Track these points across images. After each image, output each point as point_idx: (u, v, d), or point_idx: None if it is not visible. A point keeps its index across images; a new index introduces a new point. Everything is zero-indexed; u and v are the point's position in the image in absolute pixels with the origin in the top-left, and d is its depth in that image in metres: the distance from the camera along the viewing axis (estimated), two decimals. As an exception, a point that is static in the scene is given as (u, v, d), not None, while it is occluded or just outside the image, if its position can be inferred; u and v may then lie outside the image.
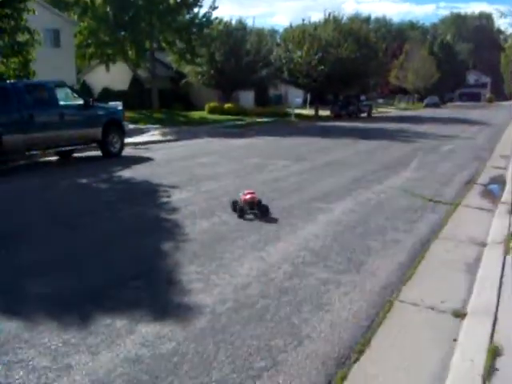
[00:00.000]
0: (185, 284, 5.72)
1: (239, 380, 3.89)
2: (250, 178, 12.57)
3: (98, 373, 3.97)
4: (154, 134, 25.34)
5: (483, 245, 7.18)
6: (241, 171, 13.70)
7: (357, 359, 4.22)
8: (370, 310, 5.10)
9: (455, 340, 4.52)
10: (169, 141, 23.36)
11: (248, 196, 8.66)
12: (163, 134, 25.56)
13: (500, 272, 5.94)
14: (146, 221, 8.57)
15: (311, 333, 4.61)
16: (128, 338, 4.50)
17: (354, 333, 4.64)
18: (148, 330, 4.66)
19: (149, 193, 11.02)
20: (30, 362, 4.11)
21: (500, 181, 12.34)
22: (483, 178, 12.97)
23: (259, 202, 8.69)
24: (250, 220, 8.40)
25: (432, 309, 5.15)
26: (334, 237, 7.49)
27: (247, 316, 4.93)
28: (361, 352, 4.31)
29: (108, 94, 38.78)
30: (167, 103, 41.11)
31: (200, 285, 5.68)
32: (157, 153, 18.33)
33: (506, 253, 6.57)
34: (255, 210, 8.61)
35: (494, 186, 11.77)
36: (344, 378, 3.95)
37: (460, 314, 5.01)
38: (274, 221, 8.31)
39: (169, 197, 10.30)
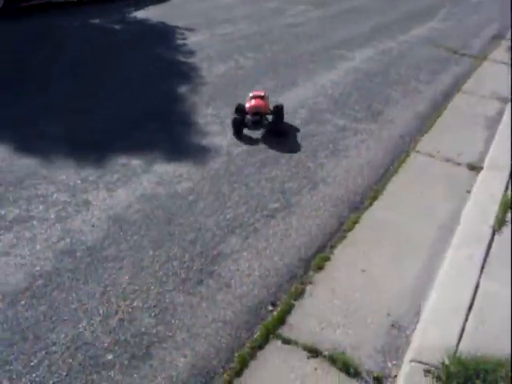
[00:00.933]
0: (201, 126, 5.68)
1: (253, 220, 3.97)
2: (267, 22, 11.99)
3: (115, 208, 4.06)
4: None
5: (506, 101, 6.98)
6: (258, 15, 13.04)
7: (370, 204, 4.27)
8: (386, 159, 5.09)
9: (468, 192, 4.54)
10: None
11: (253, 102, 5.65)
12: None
13: (521, 128, 5.83)
14: (163, 63, 8.30)
15: (326, 177, 4.64)
16: (144, 177, 4.54)
17: (368, 179, 4.68)
18: (164, 169, 4.69)
19: (164, 35, 10.58)
20: (50, 197, 4.18)
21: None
22: (512, 33, 12.33)
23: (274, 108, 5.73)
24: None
25: (448, 161, 5.13)
26: (354, 85, 7.29)
27: (263, 159, 4.94)
28: (374, 198, 4.36)
29: None
30: None
31: (216, 127, 5.63)
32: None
33: (529, 112, 6.41)
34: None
35: (523, 42, 11.21)
36: (356, 221, 4.02)
37: (476, 168, 5.00)
38: (292, 66, 8.04)
39: (184, 39, 9.90)
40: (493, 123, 6.14)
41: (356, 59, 8.71)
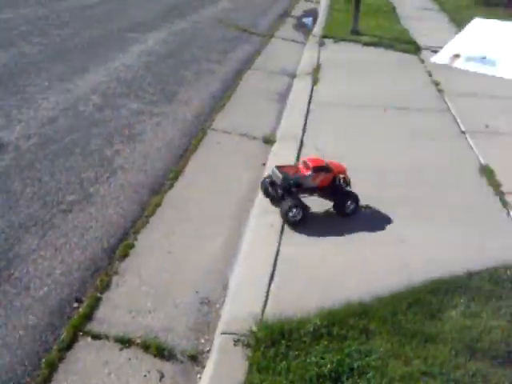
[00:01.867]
0: (-17, 120, 5.20)
1: (49, 216, 3.74)
2: (55, 4, 11.33)
3: None
4: None
5: (294, 76, 7.39)
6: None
7: (171, 186, 4.25)
8: (184, 139, 5.10)
9: (264, 164, 4.72)
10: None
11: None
12: None
13: (307, 99, 6.20)
14: None
15: (124, 164, 4.52)
16: None
17: (167, 161, 4.65)
18: None
19: None
20: None
21: (313, 14, 12.55)
22: (298, 11, 13.10)
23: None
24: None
25: (243, 136, 5.29)
26: (147, 67, 7.20)
27: (55, 151, 4.67)
28: (174, 179, 4.35)
29: None
30: None
31: (1, 121, 5.19)
32: None
33: (314, 83, 6.84)
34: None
35: (306, 19, 11.97)
36: (158, 204, 3.98)
37: (270, 140, 5.21)
38: (82, 51, 7.71)
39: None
40: (282, 97, 6.46)
41: (149, 42, 8.61)
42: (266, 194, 3.93)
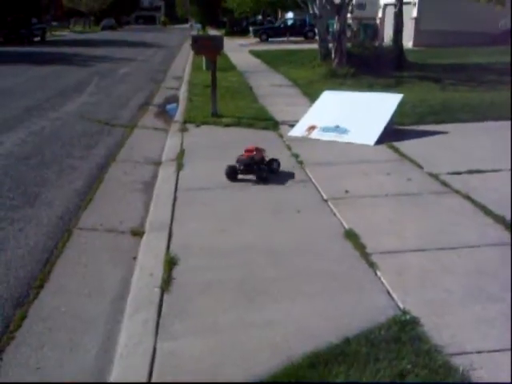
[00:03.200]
0: None
1: None
2: None
3: None
4: None
5: (159, 164, 7.47)
6: None
7: (36, 294, 4.05)
8: (48, 243, 4.92)
9: (135, 258, 4.66)
10: None
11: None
12: None
13: (174, 188, 6.27)
14: None
15: (-19, 279, 4.25)
16: None
17: (31, 269, 4.43)
18: None
19: None
20: None
21: (173, 101, 12.90)
22: (158, 99, 13.39)
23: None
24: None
25: (111, 231, 5.21)
26: (5, 171, 6.95)
27: None
28: (40, 287, 4.15)
29: None
30: None
31: None
32: None
33: (179, 168, 6.95)
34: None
35: (168, 107, 12.26)
36: (24, 317, 3.76)
37: (138, 233, 5.16)
38: None
39: None
40: (149, 187, 6.48)
41: (6, 144, 8.35)
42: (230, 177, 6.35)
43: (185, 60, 24.64)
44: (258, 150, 6.61)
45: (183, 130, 9.13)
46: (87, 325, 3.73)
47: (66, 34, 59.46)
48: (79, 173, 7.01)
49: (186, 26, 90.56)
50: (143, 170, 7.21)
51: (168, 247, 4.71)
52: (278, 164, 6.71)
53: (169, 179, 6.63)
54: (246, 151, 6.57)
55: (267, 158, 6.66)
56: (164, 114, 11.38)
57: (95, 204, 5.92)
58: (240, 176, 6.45)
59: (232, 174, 6.41)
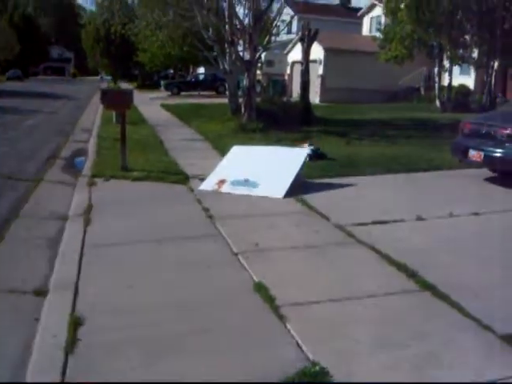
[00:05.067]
0: None
1: None
2: None
3: None
4: None
5: (65, 219, 7.25)
6: None
7: None
8: None
9: (37, 319, 4.44)
10: None
11: None
12: None
13: (81, 243, 6.09)
14: None
15: None
16: None
17: None
18: None
19: None
20: None
21: (82, 154, 12.67)
22: (66, 152, 13.10)
23: None
24: None
25: (12, 292, 4.96)
26: None
27: None
28: None
29: None
30: None
31: None
32: None
33: (87, 224, 6.78)
34: None
35: (76, 160, 12.02)
36: None
37: (42, 292, 4.94)
38: None
39: None
40: (54, 243, 6.25)
41: None
42: None
43: (94, 112, 24.37)
44: None
45: (91, 184, 8.95)
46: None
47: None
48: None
49: (97, 78, 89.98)
50: (49, 226, 6.96)
51: (73, 306, 4.54)
52: None
53: (75, 235, 6.43)
54: None
55: None
56: (72, 167, 11.13)
57: (-5, 264, 5.63)
58: None
59: None
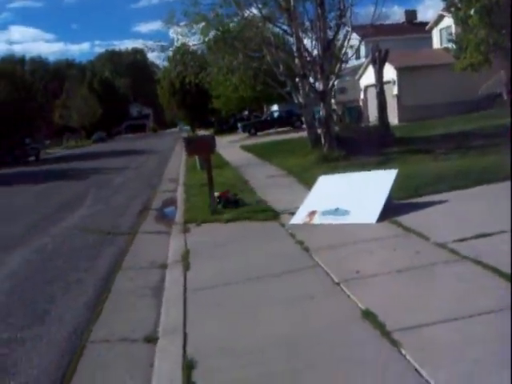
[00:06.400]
0: None
1: None
2: None
3: None
4: None
5: (165, 266, 7.43)
6: None
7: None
8: (62, 360, 4.80)
9: (152, 365, 4.53)
10: None
11: None
12: None
13: (183, 289, 6.20)
14: None
15: (-3, 406, 4.13)
16: None
17: (46, 390, 4.31)
18: None
19: None
20: None
21: (172, 203, 13.04)
22: (156, 203, 13.54)
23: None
24: None
25: (124, 340, 5.10)
26: (13, 291, 6.92)
27: None
28: (57, 409, 4.02)
29: None
30: None
31: None
32: None
33: (186, 269, 6.91)
34: None
35: (167, 210, 12.36)
36: None
37: (152, 339, 5.05)
38: None
39: None
40: (157, 292, 6.40)
41: (12, 263, 8.35)
42: None
43: (178, 162, 25.16)
44: None
45: (185, 230, 9.15)
46: None
47: (59, 151, 61.07)
48: (85, 285, 6.95)
49: (175, 129, 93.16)
50: (150, 275, 7.15)
51: (184, 351, 4.59)
52: None
53: (177, 281, 6.57)
54: None
55: None
56: (163, 217, 11.45)
57: (105, 315, 5.82)
58: None
59: None
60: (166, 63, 38.95)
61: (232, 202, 10.44)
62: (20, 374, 4.59)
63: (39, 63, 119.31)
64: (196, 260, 7.26)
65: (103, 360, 4.79)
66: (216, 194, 10.29)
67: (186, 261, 7.26)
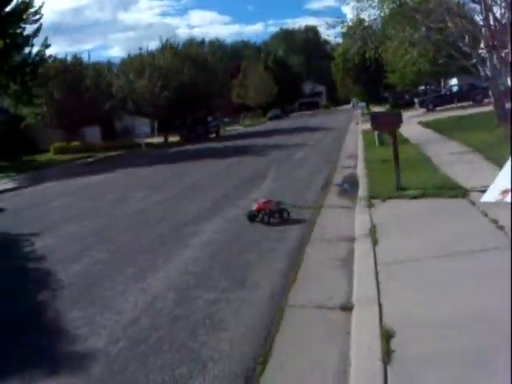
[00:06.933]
0: (71, 332, 5.44)
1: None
2: (112, 213, 12.25)
3: None
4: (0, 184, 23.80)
5: (352, 240, 7.58)
6: (101, 208, 13.33)
7: (262, 370, 4.26)
8: (264, 321, 5.18)
9: (348, 333, 4.73)
10: (18, 188, 22.10)
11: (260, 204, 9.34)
12: (11, 182, 24.10)
13: (373, 262, 6.31)
14: (13, 274, 8.01)
15: (213, 354, 4.59)
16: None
17: (254, 345, 4.69)
18: (46, 387, 4.37)
19: (8, 245, 10.33)
20: None
21: (352, 179, 13.14)
22: (337, 179, 13.72)
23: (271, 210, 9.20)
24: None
25: (320, 307, 5.35)
26: (212, 257, 7.53)
27: (143, 351, 4.80)
28: (265, 362, 4.37)
29: None
30: (8, 150, 38.74)
31: (87, 329, 5.43)
32: (8, 202, 17.25)
33: (374, 243, 6.99)
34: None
35: (348, 185, 12.47)
36: (255, 391, 3.97)
37: (347, 308, 5.25)
38: (148, 251, 8.16)
39: (32, 245, 9.73)
40: (346, 263, 6.59)
41: (207, 232, 9.06)
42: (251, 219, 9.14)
43: (354, 139, 25.11)
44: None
45: (369, 206, 9.21)
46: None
47: (237, 129, 63.86)
48: (278, 254, 7.36)
49: (348, 106, 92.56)
50: (338, 248, 7.36)
51: (380, 320, 4.71)
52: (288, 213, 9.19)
53: (366, 254, 6.68)
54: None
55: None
56: (346, 192, 11.59)
57: (299, 283, 6.14)
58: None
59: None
60: (339, 39, 38.69)
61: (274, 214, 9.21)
62: (229, 331, 5.04)
63: (217, 45, 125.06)
64: (383, 235, 7.30)
65: (302, 324, 5.08)
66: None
67: (373, 235, 7.33)
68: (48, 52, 36.16)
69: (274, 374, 4.20)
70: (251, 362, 4.41)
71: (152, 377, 4.32)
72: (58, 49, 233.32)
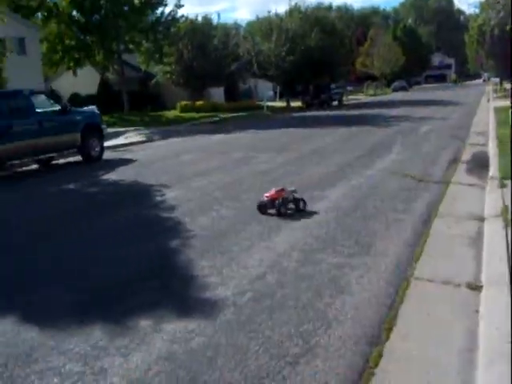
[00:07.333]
0: (200, 279, 5.74)
1: (278, 368, 3.93)
2: (237, 171, 12.60)
3: (134, 373, 3.97)
4: (130, 136, 25.13)
5: (481, 219, 7.34)
6: (227, 166, 13.74)
7: (387, 337, 4.30)
8: (389, 289, 5.19)
9: (477, 311, 4.64)
10: (147, 141, 23.26)
11: (272, 193, 8.25)
12: (140, 136, 25.38)
13: (505, 244, 6.08)
14: (146, 221, 8.53)
15: (338, 315, 4.68)
16: (156, 337, 4.50)
17: (378, 312, 4.73)
18: (174, 326, 4.66)
19: (140, 194, 10.97)
20: (62, 369, 4.08)
21: (483, 157, 12.58)
22: (466, 156, 13.20)
23: (286, 198, 8.24)
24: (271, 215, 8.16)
25: (447, 283, 5.27)
26: (336, 222, 7.58)
27: (270, 305, 4.98)
28: (389, 330, 4.40)
29: (77, 99, 38.13)
30: (138, 105, 40.71)
31: (215, 279, 5.71)
32: (138, 154, 18.24)
33: (506, 225, 6.72)
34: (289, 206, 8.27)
35: (479, 163, 11.97)
36: (380, 355, 4.03)
37: (475, 287, 5.13)
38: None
39: (162, 196, 10.28)
40: (475, 242, 6.41)
41: (330, 197, 9.12)
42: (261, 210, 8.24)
43: (485, 116, 23.88)
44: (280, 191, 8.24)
45: (502, 186, 8.81)
46: (440, 373, 3.81)
47: (360, 98, 62.71)
48: (404, 225, 7.28)
49: (478, 81, 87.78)
50: (467, 225, 7.15)
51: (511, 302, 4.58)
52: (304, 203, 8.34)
53: (497, 235, 6.45)
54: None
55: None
56: (475, 170, 11.14)
57: (425, 256, 6.06)
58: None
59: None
60: (476, 10, 36.44)
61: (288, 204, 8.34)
62: (353, 296, 5.11)
63: (344, 10, 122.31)
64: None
65: (428, 297, 5.04)
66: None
67: (505, 216, 7.04)
68: (180, 12, 37.28)
69: (399, 344, 4.22)
70: (376, 328, 4.46)
71: (278, 330, 4.49)
72: (187, 9, 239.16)
